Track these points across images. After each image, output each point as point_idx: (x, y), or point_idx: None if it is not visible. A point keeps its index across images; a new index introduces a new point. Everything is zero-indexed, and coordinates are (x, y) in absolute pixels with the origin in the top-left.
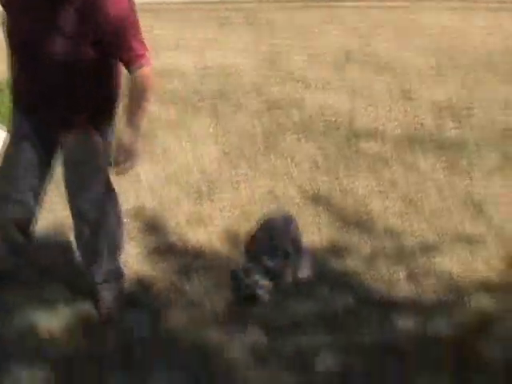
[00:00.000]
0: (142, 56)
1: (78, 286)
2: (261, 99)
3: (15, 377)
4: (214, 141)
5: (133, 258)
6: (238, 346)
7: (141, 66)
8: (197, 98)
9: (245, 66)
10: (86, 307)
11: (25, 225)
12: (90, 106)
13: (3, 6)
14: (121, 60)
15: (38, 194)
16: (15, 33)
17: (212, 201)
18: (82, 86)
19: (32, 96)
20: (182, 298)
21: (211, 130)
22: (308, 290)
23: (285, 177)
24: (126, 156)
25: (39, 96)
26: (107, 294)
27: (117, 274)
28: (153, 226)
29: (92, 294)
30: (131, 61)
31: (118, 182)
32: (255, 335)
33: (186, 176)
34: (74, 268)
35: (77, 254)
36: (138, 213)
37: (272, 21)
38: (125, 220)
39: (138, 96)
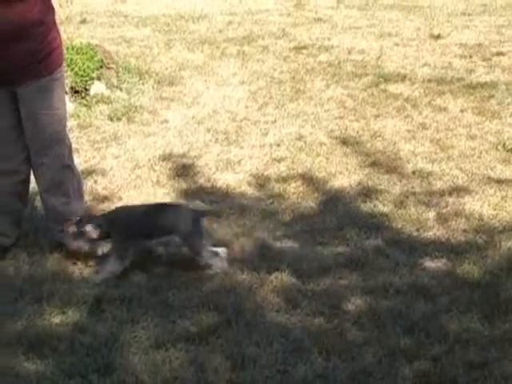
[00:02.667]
0: None
1: None
2: (288, 43)
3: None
4: (242, 85)
5: None
6: (269, 288)
7: None
8: (224, 42)
9: (271, 10)
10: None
11: (21, 191)
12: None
13: None
14: None
15: (24, 156)
16: None
17: (240, 144)
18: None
19: None
20: (211, 241)
21: (239, 73)
22: (337, 233)
23: (313, 120)
24: None
25: None
26: None
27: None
28: (182, 170)
29: None
30: None
31: (147, 127)
32: (286, 278)
33: (214, 120)
34: None
35: None
36: (167, 157)
37: None
38: (156, 167)
39: None
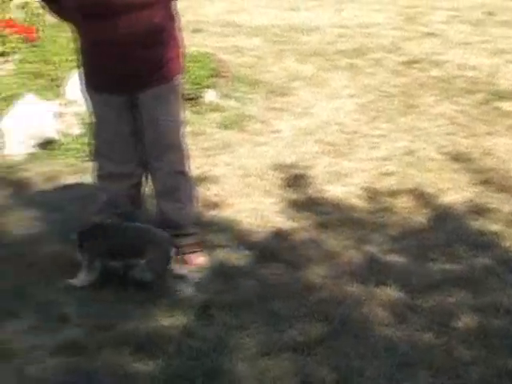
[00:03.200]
0: None
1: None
2: (399, 56)
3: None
4: (352, 97)
5: (272, 212)
6: (377, 302)
7: None
8: (334, 54)
9: (383, 24)
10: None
11: (134, 194)
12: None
13: None
14: None
15: (139, 160)
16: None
17: (350, 157)
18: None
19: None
20: (319, 252)
21: (349, 86)
22: (446, 250)
23: (423, 135)
24: None
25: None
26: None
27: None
28: (291, 181)
29: None
30: None
31: (258, 137)
32: (394, 293)
33: (323, 132)
34: None
35: None
36: (277, 167)
37: None
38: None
39: None
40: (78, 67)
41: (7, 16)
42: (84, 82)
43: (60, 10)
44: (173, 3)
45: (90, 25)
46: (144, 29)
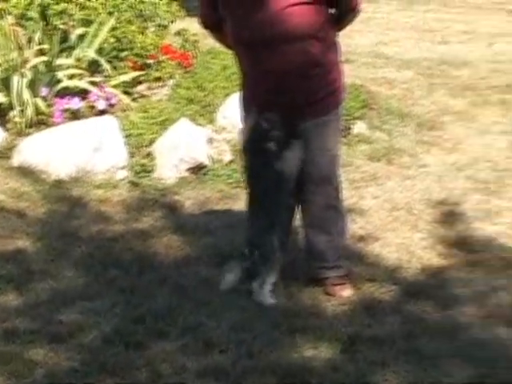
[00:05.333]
0: None
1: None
2: None
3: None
4: (504, 134)
5: (420, 248)
6: None
7: None
8: (486, 89)
9: None
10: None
11: (290, 226)
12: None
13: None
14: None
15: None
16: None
17: (501, 195)
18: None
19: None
20: (467, 291)
21: (500, 122)
22: None
23: None
24: None
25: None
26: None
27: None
28: (440, 217)
29: None
30: None
31: (406, 170)
32: None
33: (474, 168)
34: None
35: None
36: (426, 202)
37: None
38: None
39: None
40: (241, 90)
41: (164, 42)
42: (243, 105)
43: (223, 38)
44: (332, 34)
45: (245, 56)
46: (297, 62)
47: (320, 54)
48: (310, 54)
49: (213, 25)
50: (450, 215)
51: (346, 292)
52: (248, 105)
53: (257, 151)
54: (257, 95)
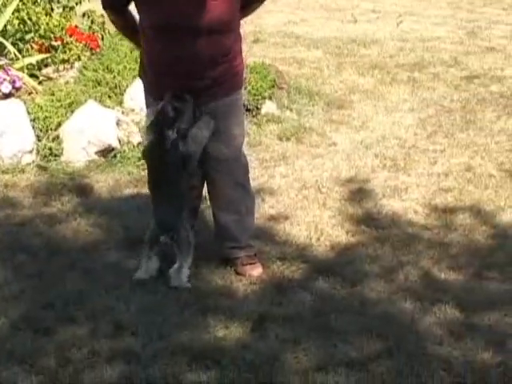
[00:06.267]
0: None
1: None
2: (459, 71)
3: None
4: (411, 112)
5: (329, 226)
6: (432, 320)
7: None
8: (394, 67)
9: (443, 38)
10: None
11: (195, 207)
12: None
13: None
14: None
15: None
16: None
17: (408, 172)
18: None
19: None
20: (375, 267)
21: (408, 100)
22: (505, 269)
23: (483, 152)
24: None
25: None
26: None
27: None
28: (348, 194)
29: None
30: None
31: (315, 149)
32: (450, 311)
33: (382, 146)
34: None
35: None
36: (335, 180)
37: None
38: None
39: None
40: (140, 77)
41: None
42: (146, 91)
43: (125, 22)
44: (239, 22)
45: (159, 41)
46: (215, 49)
47: (231, 44)
48: (224, 44)
49: (116, 6)
50: (358, 193)
51: (257, 271)
52: (153, 89)
53: (159, 134)
54: (165, 79)
